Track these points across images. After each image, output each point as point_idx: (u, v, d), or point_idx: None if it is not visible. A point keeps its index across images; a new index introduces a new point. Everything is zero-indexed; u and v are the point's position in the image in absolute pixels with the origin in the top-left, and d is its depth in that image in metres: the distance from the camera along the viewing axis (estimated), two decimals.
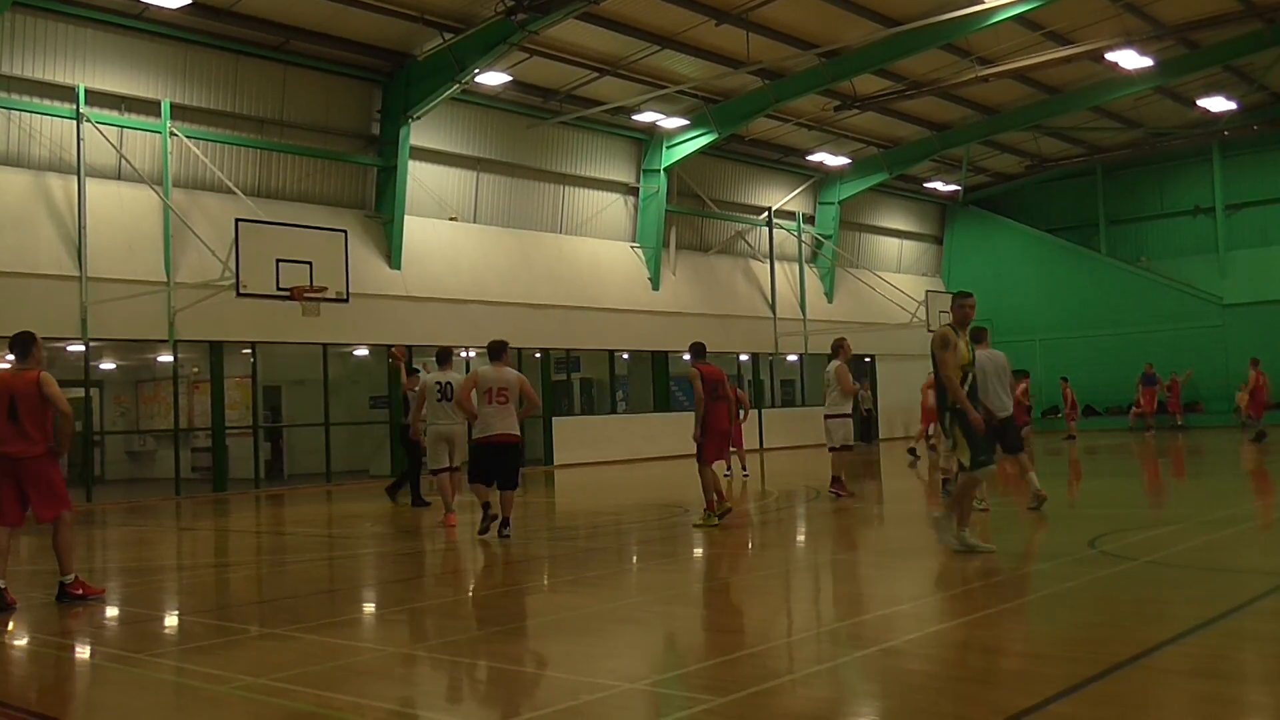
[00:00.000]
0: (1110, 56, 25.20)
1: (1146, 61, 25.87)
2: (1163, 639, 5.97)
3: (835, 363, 14.64)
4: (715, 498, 12.07)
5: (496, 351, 11.86)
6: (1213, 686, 5.19)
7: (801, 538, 12.16)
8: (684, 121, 27.44)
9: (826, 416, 14.74)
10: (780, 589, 8.78)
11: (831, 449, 14.69)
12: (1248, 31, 27.20)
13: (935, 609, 7.42)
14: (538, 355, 26.50)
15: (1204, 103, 30.87)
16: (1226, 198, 35.53)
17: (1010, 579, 8.27)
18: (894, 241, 38.66)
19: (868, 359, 34.38)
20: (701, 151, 28.81)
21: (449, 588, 9.52)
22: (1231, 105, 30.85)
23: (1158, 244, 36.94)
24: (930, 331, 30.84)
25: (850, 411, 14.80)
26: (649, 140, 28.95)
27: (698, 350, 12.62)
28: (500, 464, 11.51)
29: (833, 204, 34.56)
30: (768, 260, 32.93)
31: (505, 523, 11.50)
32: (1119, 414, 35.09)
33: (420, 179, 24.46)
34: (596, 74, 25.03)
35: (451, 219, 25.30)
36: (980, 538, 9.40)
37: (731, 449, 19.33)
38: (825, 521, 12.98)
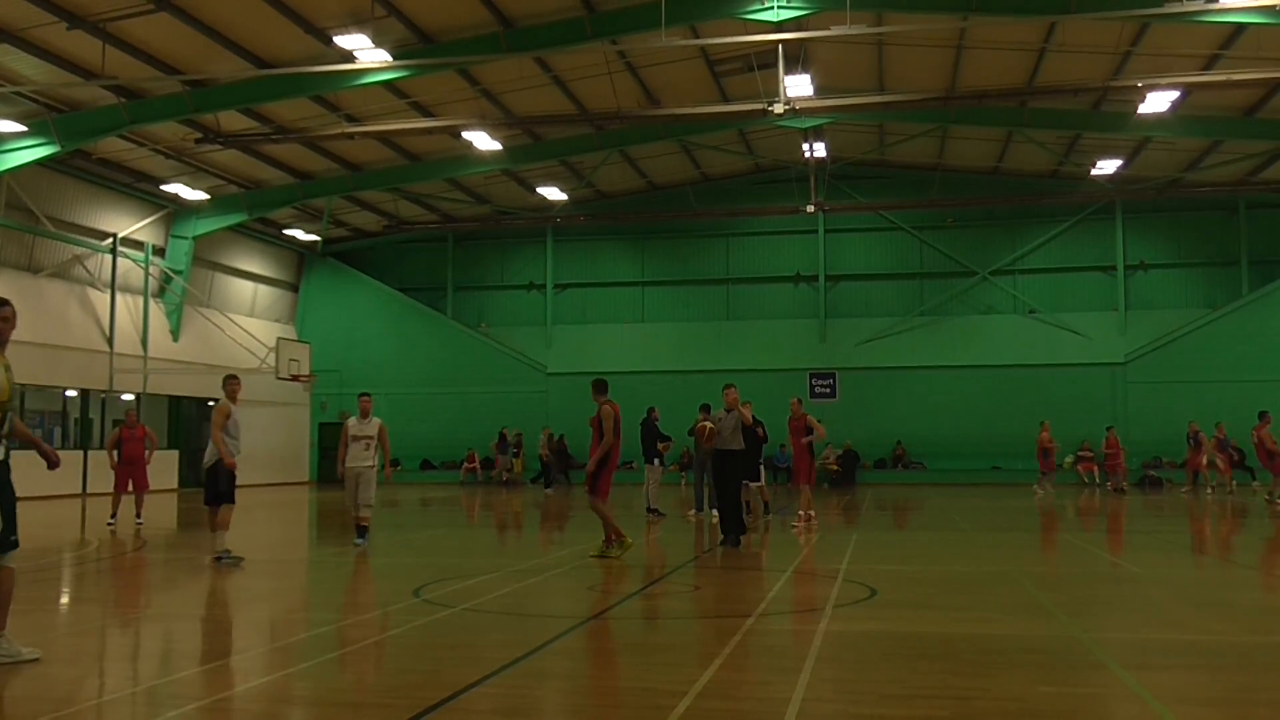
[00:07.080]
0: (466, 135, 27.22)
1: (496, 145, 28.36)
2: (471, 681, 6.51)
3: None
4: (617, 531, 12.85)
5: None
6: None
7: (116, 590, 11.36)
8: (21, 127, 24.55)
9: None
10: (94, 648, 8.15)
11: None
12: (581, 134, 30.95)
13: (258, 663, 7.37)
14: None
15: (542, 190, 34.65)
16: (556, 277, 39.75)
17: (335, 630, 8.47)
18: (249, 285, 37.71)
19: (211, 402, 33.00)
20: (40, 163, 26.01)
21: None
22: (564, 196, 34.89)
23: (497, 312, 40.21)
24: (282, 379, 30.62)
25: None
26: None
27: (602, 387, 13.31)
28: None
29: (187, 239, 32.94)
30: (109, 290, 30.49)
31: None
32: (453, 468, 37.69)
33: None
34: None
35: None
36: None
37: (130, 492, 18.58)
38: (150, 573, 12.26)
